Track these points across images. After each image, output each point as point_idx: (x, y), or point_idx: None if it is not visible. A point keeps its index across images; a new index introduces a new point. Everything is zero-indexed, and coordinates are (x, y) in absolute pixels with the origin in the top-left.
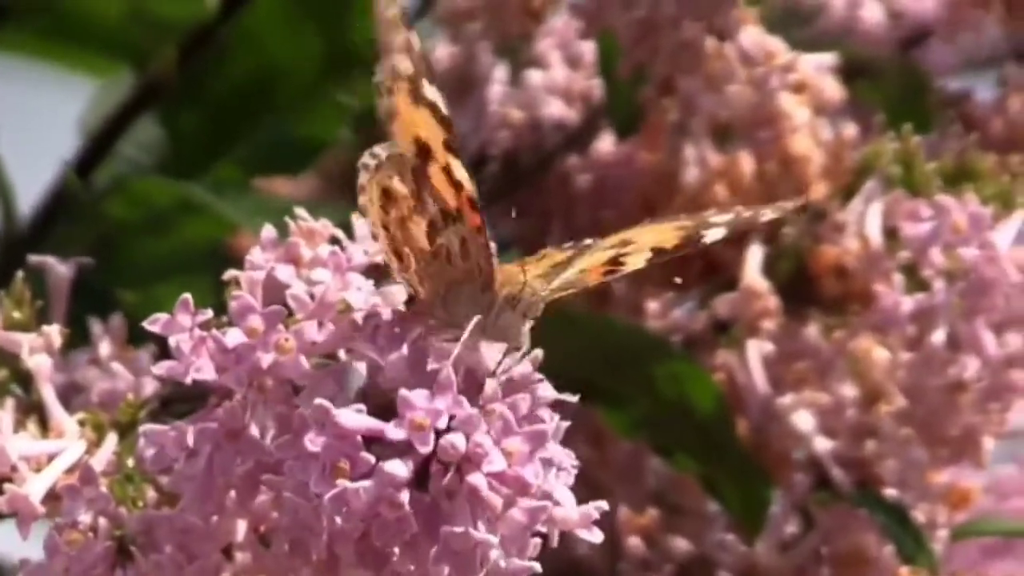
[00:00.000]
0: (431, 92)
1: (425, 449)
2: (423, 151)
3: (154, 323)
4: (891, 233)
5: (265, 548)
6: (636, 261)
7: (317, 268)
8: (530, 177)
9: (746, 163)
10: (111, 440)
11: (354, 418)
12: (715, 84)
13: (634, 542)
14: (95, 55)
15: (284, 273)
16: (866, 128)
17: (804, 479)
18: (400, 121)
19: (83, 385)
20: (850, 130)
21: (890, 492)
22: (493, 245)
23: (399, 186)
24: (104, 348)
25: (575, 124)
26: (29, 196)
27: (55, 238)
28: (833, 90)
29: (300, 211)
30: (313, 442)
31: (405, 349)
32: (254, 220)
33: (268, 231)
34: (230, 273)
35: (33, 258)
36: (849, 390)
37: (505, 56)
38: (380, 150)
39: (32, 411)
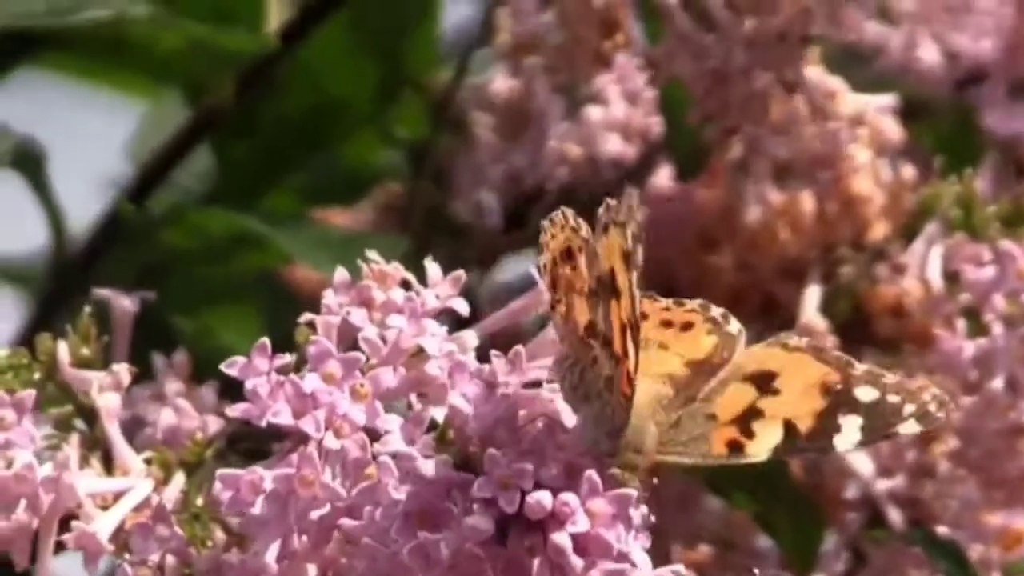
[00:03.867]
0: (635, 277)
1: (510, 509)
2: (613, 285)
3: (231, 366)
4: (951, 276)
5: None
6: (762, 445)
7: (392, 314)
8: (586, 213)
9: (807, 203)
10: (179, 479)
11: (440, 469)
12: (781, 127)
13: None
14: (145, 80)
15: (357, 317)
16: (922, 169)
17: (856, 517)
18: (607, 240)
19: (144, 420)
20: (909, 171)
21: (943, 531)
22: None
23: (583, 264)
24: (169, 384)
25: (632, 160)
26: (73, 218)
27: (106, 264)
28: (893, 131)
29: (372, 254)
30: (397, 489)
31: (496, 404)
32: (311, 253)
33: (341, 274)
34: (306, 317)
35: (98, 291)
36: None
37: (562, 90)
38: (571, 217)
39: (95, 447)
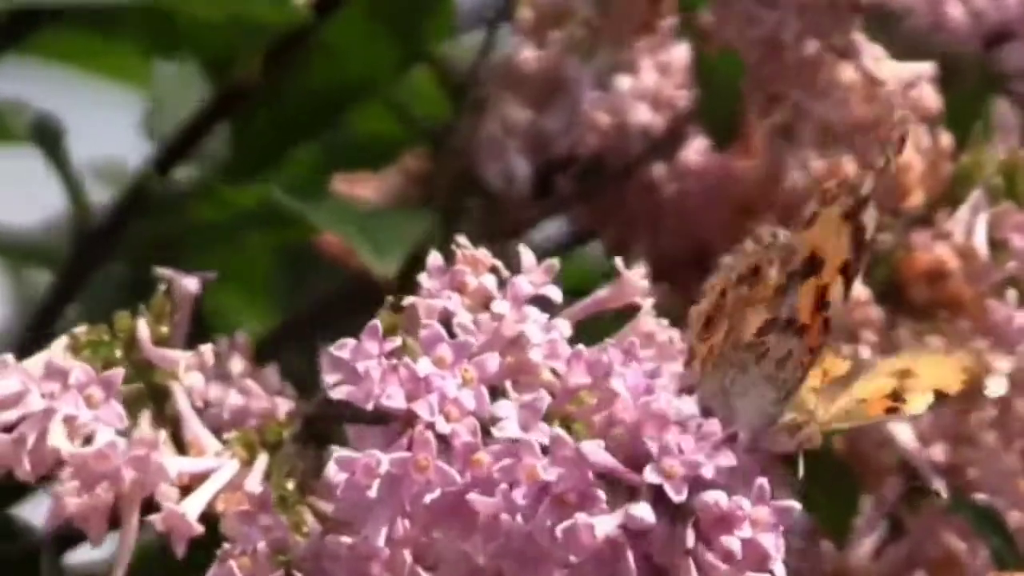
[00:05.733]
0: (868, 215)
1: (679, 498)
2: (812, 264)
3: (342, 348)
4: (996, 245)
5: None
6: (917, 404)
7: (491, 299)
8: (614, 182)
9: (849, 168)
10: (263, 460)
11: (598, 453)
12: (828, 93)
13: None
14: (139, 65)
15: (454, 303)
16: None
17: (895, 485)
18: (814, 229)
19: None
20: (947, 139)
21: (982, 498)
22: None
23: (772, 273)
24: (235, 365)
25: (660, 131)
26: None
27: (128, 236)
28: (932, 99)
29: (462, 239)
30: (546, 470)
31: (650, 396)
32: (338, 225)
33: (435, 258)
34: (409, 300)
35: (161, 271)
36: None
37: (587, 60)
38: (780, 234)
39: (165, 426)
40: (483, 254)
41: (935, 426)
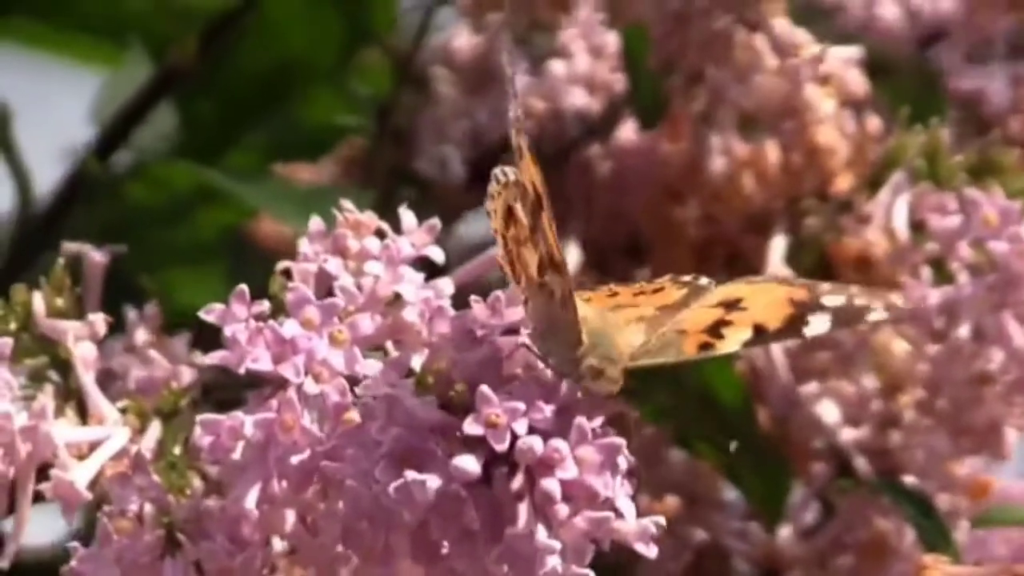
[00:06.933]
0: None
1: (501, 447)
2: (537, 199)
3: (209, 313)
4: (916, 226)
5: (312, 538)
6: (732, 341)
7: (369, 260)
8: (551, 166)
9: (772, 153)
10: (155, 428)
11: (427, 409)
12: (743, 74)
13: None
14: (107, 47)
15: (333, 265)
16: (886, 124)
17: (825, 468)
18: (525, 163)
19: (117, 372)
20: (874, 122)
21: (911, 480)
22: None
23: (520, 213)
24: (140, 335)
25: (596, 114)
26: (39, 183)
27: (71, 222)
28: (858, 83)
29: (347, 203)
30: (380, 431)
31: (485, 348)
32: (276, 206)
33: (316, 223)
34: (282, 265)
35: (68, 245)
36: (870, 381)
37: (523, 46)
38: (509, 172)
39: (70, 398)
40: (368, 217)
41: (862, 407)
